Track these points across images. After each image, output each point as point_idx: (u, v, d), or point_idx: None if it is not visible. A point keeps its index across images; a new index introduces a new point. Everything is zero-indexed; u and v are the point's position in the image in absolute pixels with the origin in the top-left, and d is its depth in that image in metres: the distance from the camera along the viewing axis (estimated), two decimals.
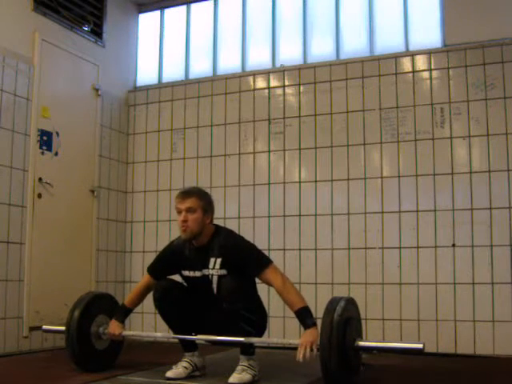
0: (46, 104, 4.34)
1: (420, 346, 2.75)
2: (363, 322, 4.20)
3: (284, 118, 4.68)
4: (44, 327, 3.59)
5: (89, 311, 3.28)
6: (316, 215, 4.48)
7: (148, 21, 5.46)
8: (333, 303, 2.79)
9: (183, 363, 3.12)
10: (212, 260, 3.02)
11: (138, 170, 5.13)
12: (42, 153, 4.29)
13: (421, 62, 4.37)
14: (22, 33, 4.20)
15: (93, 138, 4.82)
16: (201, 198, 3.06)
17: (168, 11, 5.40)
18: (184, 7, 5.32)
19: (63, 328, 3.29)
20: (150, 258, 4.72)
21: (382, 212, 4.31)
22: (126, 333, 3.35)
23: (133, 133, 5.21)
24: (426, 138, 4.26)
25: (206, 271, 3.04)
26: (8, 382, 3.06)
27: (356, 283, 4.29)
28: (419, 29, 4.51)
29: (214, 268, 3.01)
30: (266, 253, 4.48)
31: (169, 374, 3.04)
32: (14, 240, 4.04)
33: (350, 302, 2.91)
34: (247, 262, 3.00)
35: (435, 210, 4.17)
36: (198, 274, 3.07)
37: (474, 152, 4.15)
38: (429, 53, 4.37)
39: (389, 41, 4.58)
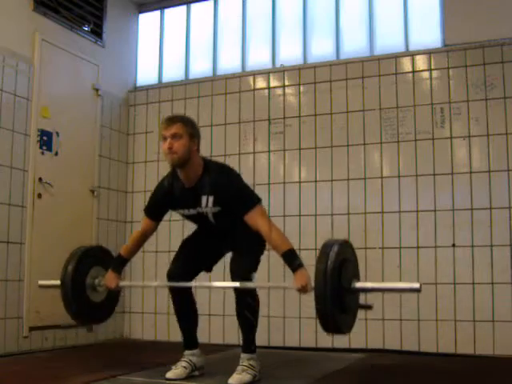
0: (46, 104, 4.34)
1: (417, 285, 2.67)
2: (363, 322, 4.22)
3: (284, 118, 4.68)
4: (40, 282, 3.55)
5: (82, 264, 3.22)
6: (316, 215, 4.48)
7: (148, 21, 5.46)
8: (326, 248, 2.70)
9: (182, 363, 3.12)
10: (204, 198, 3.00)
11: (138, 170, 5.13)
12: (42, 153, 4.29)
13: (421, 62, 4.37)
14: (22, 33, 4.20)
15: (93, 138, 4.81)
16: (186, 124, 3.03)
17: (168, 11, 5.40)
18: (184, 7, 5.32)
19: (58, 282, 3.23)
20: (150, 258, 4.77)
21: (382, 212, 4.30)
22: (123, 283, 3.34)
23: (133, 133, 5.21)
24: (426, 138, 4.26)
25: (199, 209, 3.03)
26: (8, 382, 3.05)
27: None
28: (419, 29, 4.50)
29: (208, 206, 3.00)
30: (265, 253, 4.53)
31: (169, 374, 3.04)
32: (14, 240, 4.04)
33: (345, 245, 2.81)
34: (235, 201, 2.97)
35: (435, 210, 4.17)
36: (192, 211, 3.07)
37: (474, 152, 4.15)
38: (429, 53, 4.37)
39: (389, 41, 4.58)
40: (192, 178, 3.03)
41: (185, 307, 3.18)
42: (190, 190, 3.04)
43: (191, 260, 3.20)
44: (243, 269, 2.99)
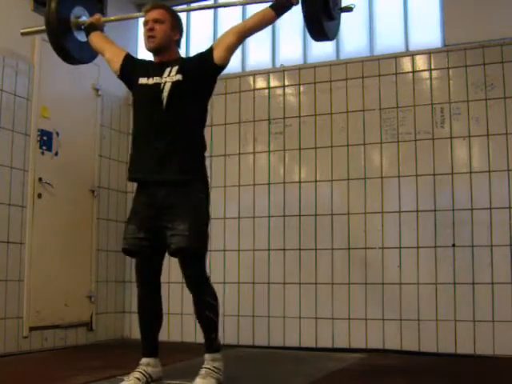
0: (46, 104, 4.34)
1: None
2: (363, 322, 4.22)
3: (284, 117, 4.68)
4: (22, 30, 3.57)
5: (64, 4, 3.23)
6: (316, 215, 4.48)
7: None
8: None
9: (136, 374, 2.91)
10: (168, 69, 2.90)
11: None
12: (42, 153, 4.29)
13: (421, 62, 4.37)
14: None
15: (93, 138, 4.81)
16: (169, 12, 2.97)
17: None
18: (184, 7, 5.32)
19: (43, 27, 3.25)
20: None
21: (382, 212, 4.30)
22: (107, 18, 3.41)
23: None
24: (426, 138, 4.26)
25: (158, 79, 2.89)
26: (8, 382, 3.06)
27: (356, 283, 4.29)
28: (419, 29, 4.51)
29: (170, 75, 2.89)
30: (265, 253, 4.54)
31: None
32: (14, 240, 4.04)
33: None
34: (199, 59, 2.97)
35: (435, 210, 4.17)
36: (149, 80, 2.91)
37: (474, 152, 4.15)
38: (429, 53, 4.37)
39: (389, 41, 4.58)
40: (165, 58, 2.97)
41: (152, 309, 3.05)
42: (158, 64, 2.97)
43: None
44: (198, 274, 2.89)
